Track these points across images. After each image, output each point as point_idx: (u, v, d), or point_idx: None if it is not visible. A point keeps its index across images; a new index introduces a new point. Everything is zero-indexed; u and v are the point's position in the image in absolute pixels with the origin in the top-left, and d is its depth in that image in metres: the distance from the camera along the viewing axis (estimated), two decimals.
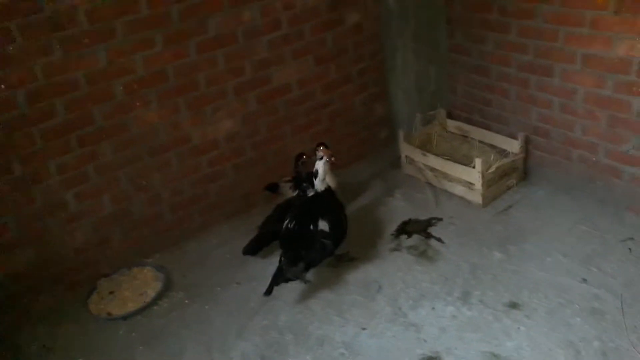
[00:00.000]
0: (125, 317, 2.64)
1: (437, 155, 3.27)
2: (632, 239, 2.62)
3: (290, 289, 2.64)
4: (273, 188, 3.23)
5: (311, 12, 3.12)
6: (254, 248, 2.90)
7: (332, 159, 2.73)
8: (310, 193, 2.81)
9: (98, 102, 2.63)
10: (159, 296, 2.75)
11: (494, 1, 3.00)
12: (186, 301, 2.72)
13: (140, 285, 2.84)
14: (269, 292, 2.48)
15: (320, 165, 2.70)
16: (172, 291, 2.80)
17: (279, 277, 2.48)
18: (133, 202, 2.92)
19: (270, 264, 2.85)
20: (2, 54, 2.34)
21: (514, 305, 2.38)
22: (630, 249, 2.56)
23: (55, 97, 2.52)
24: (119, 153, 2.78)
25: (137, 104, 2.75)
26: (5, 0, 2.27)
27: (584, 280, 2.44)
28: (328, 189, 2.70)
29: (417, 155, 3.33)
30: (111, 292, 2.81)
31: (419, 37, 3.42)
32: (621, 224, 2.73)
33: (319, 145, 2.81)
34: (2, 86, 2.38)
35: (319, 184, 2.70)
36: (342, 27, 3.28)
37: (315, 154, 2.78)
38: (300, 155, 3.03)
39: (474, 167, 2.99)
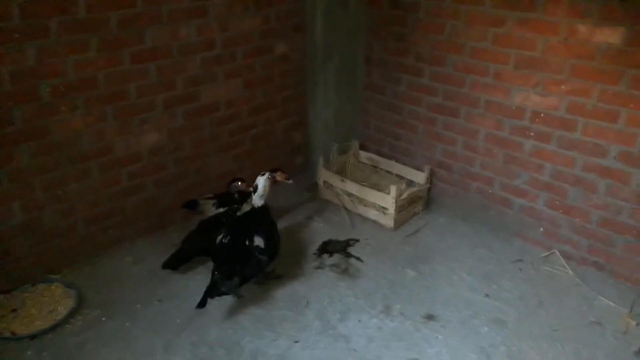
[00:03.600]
0: (32, 337, 2.41)
1: (353, 181, 3.51)
2: (521, 260, 3.04)
3: (217, 305, 2.62)
4: (192, 205, 3.20)
5: (244, 37, 3.24)
6: (175, 262, 2.86)
7: (290, 180, 2.90)
8: (246, 208, 2.84)
9: (20, 101, 2.46)
10: (72, 314, 2.56)
11: (410, 47, 3.38)
12: (103, 319, 2.56)
13: (48, 302, 2.62)
14: (202, 304, 2.44)
15: (261, 181, 2.74)
16: (85, 309, 2.62)
17: (213, 291, 2.46)
18: (45, 212, 2.71)
19: (191, 280, 2.83)
20: None
21: (430, 317, 2.62)
22: (520, 269, 2.97)
23: None
24: (36, 158, 2.59)
25: (63, 108, 2.61)
26: None
27: (487, 295, 2.77)
28: (264, 206, 2.76)
29: (336, 181, 3.54)
30: (13, 310, 2.55)
31: (340, 74, 3.69)
32: (511, 247, 3.16)
33: (275, 170, 2.88)
34: None
35: (257, 199, 2.74)
36: (271, 55, 3.43)
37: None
38: (236, 179, 3.08)
39: (389, 193, 3.27)
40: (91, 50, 2.61)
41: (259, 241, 2.64)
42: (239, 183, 3.06)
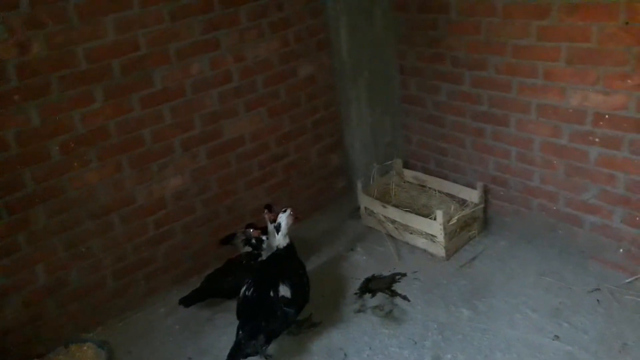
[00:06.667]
0: None
1: (396, 206, 3.17)
2: (598, 289, 2.57)
3: None
4: (229, 239, 3.02)
5: (263, 64, 3.03)
6: (190, 300, 2.74)
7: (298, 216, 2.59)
8: (267, 253, 2.62)
9: (30, 163, 2.39)
10: None
11: (445, 52, 3.01)
12: None
13: None
14: None
15: (283, 218, 2.50)
16: None
17: (237, 353, 2.23)
18: (70, 272, 2.63)
19: (223, 334, 2.62)
20: None
21: None
22: (598, 300, 2.51)
23: None
24: (53, 218, 2.51)
25: (75, 163, 2.52)
26: None
27: (556, 337, 2.34)
28: (289, 246, 2.51)
29: (377, 207, 3.22)
30: None
31: (373, 88, 3.39)
32: (586, 273, 2.68)
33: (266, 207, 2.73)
34: None
35: (281, 239, 2.50)
36: (295, 78, 3.20)
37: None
38: (249, 225, 2.89)
39: (434, 219, 2.91)
40: (97, 101, 2.51)
41: (284, 291, 2.37)
42: (251, 230, 2.84)
